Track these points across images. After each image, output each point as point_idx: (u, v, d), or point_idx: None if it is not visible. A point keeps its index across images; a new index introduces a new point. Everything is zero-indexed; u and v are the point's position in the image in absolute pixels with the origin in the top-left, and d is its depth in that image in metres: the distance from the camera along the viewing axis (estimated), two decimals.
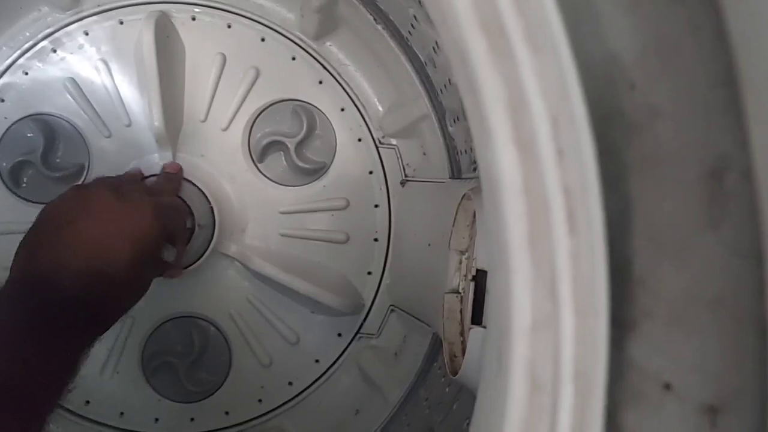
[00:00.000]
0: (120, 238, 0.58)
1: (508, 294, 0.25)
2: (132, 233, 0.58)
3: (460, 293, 0.58)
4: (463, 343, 0.54)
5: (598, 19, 0.23)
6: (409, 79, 0.77)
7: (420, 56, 0.73)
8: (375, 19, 0.77)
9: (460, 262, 0.58)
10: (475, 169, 0.66)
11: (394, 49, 0.77)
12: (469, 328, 0.51)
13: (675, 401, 0.24)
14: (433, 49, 0.66)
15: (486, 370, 0.31)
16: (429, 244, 0.72)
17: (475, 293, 0.52)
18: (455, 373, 0.52)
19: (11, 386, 0.44)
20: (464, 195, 0.56)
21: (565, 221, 0.23)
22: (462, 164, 0.72)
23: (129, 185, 0.68)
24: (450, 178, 0.75)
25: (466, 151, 0.69)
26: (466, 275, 0.57)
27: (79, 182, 0.82)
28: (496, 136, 0.24)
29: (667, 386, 0.24)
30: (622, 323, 0.24)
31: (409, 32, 0.72)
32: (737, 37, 0.22)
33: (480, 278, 0.51)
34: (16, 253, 0.55)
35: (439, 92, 0.72)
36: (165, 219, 0.63)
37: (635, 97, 0.24)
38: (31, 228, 0.58)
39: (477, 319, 0.50)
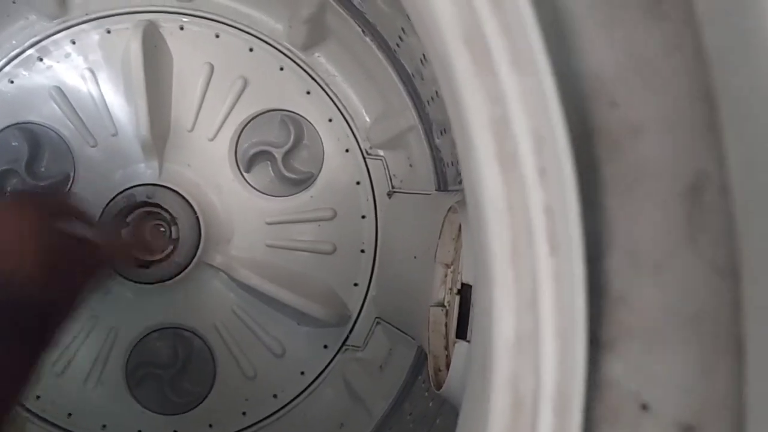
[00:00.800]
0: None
1: (491, 309, 0.25)
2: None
3: (445, 307, 0.58)
4: (448, 357, 0.54)
5: (578, 37, 0.24)
6: (397, 90, 0.77)
7: (407, 68, 0.74)
8: (363, 31, 0.77)
9: (446, 275, 0.58)
10: (461, 182, 0.66)
11: (381, 60, 0.77)
12: (454, 343, 0.51)
13: (652, 421, 0.24)
14: (421, 61, 0.66)
15: (470, 383, 0.31)
16: (415, 257, 0.72)
17: (460, 307, 0.52)
18: (439, 387, 0.52)
19: None
20: (450, 208, 0.56)
21: (546, 241, 0.23)
22: (448, 176, 0.72)
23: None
24: (436, 190, 0.75)
25: (452, 163, 0.69)
26: (451, 288, 0.57)
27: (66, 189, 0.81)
28: (479, 152, 0.24)
29: (644, 406, 0.24)
30: (601, 342, 0.24)
31: (397, 44, 0.72)
32: (714, 55, 0.22)
33: (465, 292, 0.51)
34: None
35: (426, 104, 0.72)
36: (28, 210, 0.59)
37: (616, 114, 0.24)
38: None
39: (462, 333, 0.50)
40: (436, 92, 0.67)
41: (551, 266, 0.22)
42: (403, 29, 0.66)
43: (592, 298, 0.23)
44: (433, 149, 0.75)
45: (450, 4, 0.22)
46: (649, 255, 0.24)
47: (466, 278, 0.51)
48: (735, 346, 0.23)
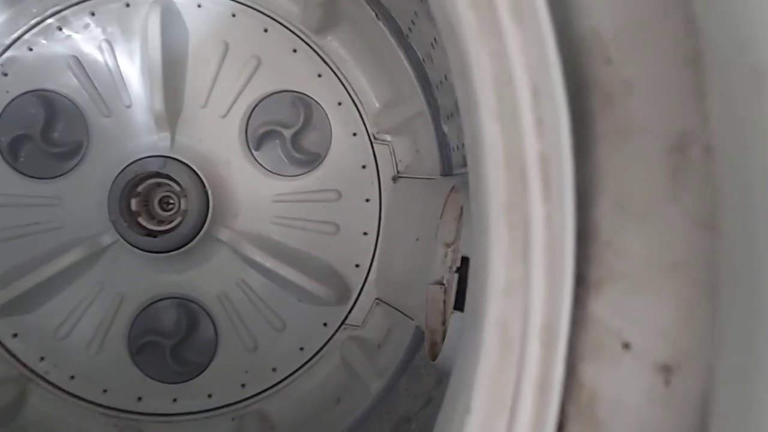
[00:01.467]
0: None
1: (485, 258, 0.27)
2: None
3: (443, 284, 0.59)
4: (444, 332, 0.56)
5: None
6: (407, 75, 0.78)
7: (418, 53, 0.75)
8: (376, 15, 0.78)
9: (446, 255, 0.60)
10: (465, 165, 0.67)
11: (393, 45, 0.79)
12: (451, 314, 0.53)
13: (632, 359, 0.25)
14: (432, 45, 0.67)
15: (462, 342, 0.33)
16: (417, 239, 0.74)
17: (458, 282, 0.54)
18: (435, 359, 0.53)
19: None
20: (452, 188, 0.57)
21: (540, 188, 0.24)
22: (453, 162, 0.74)
23: None
24: (441, 175, 0.76)
25: (457, 148, 0.70)
26: (450, 267, 0.58)
27: (81, 159, 0.83)
28: (481, 107, 0.26)
29: (626, 345, 0.25)
30: (587, 282, 0.26)
31: (409, 29, 0.74)
32: (702, 22, 0.24)
33: (464, 267, 0.53)
34: None
35: (435, 89, 0.74)
36: None
37: (611, 70, 0.25)
38: None
39: (459, 306, 0.52)
40: (445, 76, 0.68)
41: (543, 211, 0.24)
42: (415, 13, 0.68)
43: (581, 242, 0.24)
44: (440, 135, 0.77)
45: None
46: (636, 205, 0.25)
47: (466, 252, 0.52)
48: (711, 295, 0.25)
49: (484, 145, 0.25)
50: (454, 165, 0.73)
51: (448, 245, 0.59)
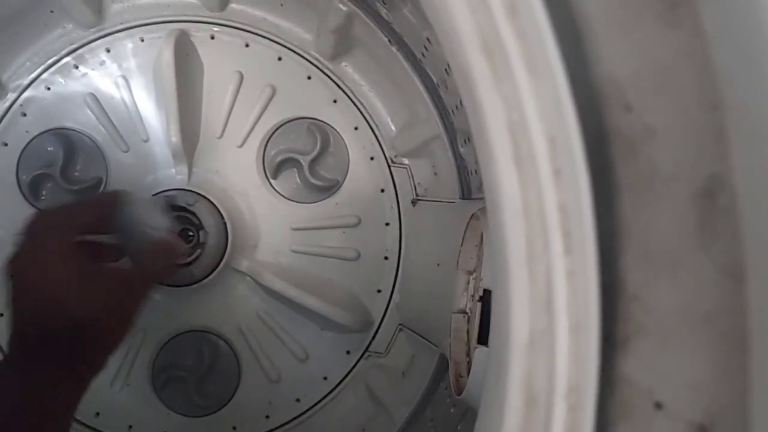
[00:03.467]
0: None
1: (507, 309, 0.26)
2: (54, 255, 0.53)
3: (467, 313, 0.58)
4: (469, 364, 0.55)
5: (595, 42, 0.24)
6: (422, 99, 0.78)
7: (432, 78, 0.75)
8: (389, 41, 0.78)
9: (468, 283, 0.58)
10: (480, 189, 0.66)
11: (407, 70, 0.78)
12: (475, 348, 0.51)
13: (665, 419, 0.24)
14: (445, 71, 0.67)
15: (487, 385, 0.32)
16: (438, 264, 0.73)
17: (481, 314, 0.52)
18: (460, 393, 0.52)
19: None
20: (473, 215, 0.56)
21: (561, 240, 0.23)
22: (472, 184, 0.73)
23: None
24: (460, 198, 0.75)
25: (476, 172, 0.69)
26: (473, 296, 0.57)
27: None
28: (496, 155, 0.25)
29: (658, 404, 0.24)
30: (615, 340, 0.25)
31: (423, 54, 0.73)
32: (721, 65, 0.23)
33: (486, 298, 0.51)
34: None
35: (451, 113, 0.73)
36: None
37: (631, 117, 0.24)
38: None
39: (483, 339, 0.50)
40: (460, 101, 0.67)
41: (565, 264, 0.23)
42: (428, 39, 0.67)
43: (607, 297, 0.23)
44: (458, 158, 0.76)
45: (468, 12, 0.23)
46: (663, 256, 0.24)
47: (487, 284, 0.51)
48: (744, 347, 0.23)
49: (501, 195, 0.24)
50: (473, 188, 0.72)
51: (469, 273, 0.58)
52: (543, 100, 0.22)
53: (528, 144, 0.23)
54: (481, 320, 0.53)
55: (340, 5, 0.77)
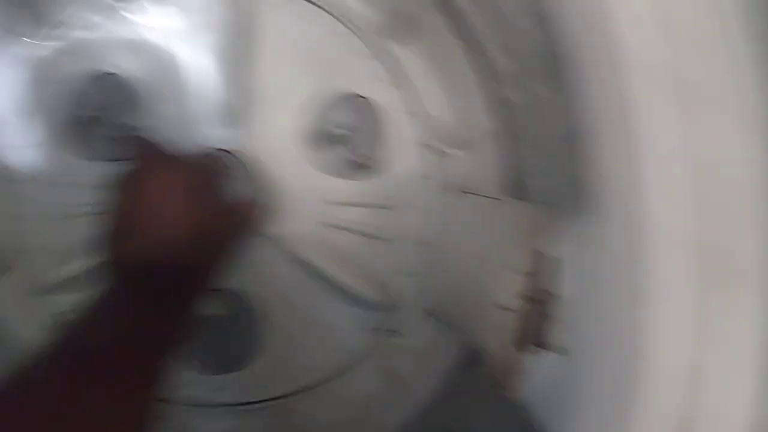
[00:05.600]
0: (172, 205, 0.59)
1: (638, 335, 0.26)
2: (180, 193, 0.60)
3: (515, 312, 0.59)
4: (519, 362, 0.56)
5: None
6: (482, 92, 0.77)
7: (494, 69, 0.74)
8: (455, 29, 0.77)
9: (519, 282, 0.59)
10: (543, 193, 0.66)
11: (469, 62, 0.78)
12: (527, 349, 0.53)
13: None
14: (520, 65, 0.67)
15: (581, 401, 0.33)
16: (479, 258, 0.73)
17: (538, 316, 0.53)
18: (509, 390, 0.53)
19: (126, 347, 0.46)
20: (537, 217, 0.57)
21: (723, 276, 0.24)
22: (530, 186, 0.73)
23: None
24: (511, 197, 0.76)
25: (533, 174, 0.70)
26: (529, 296, 0.58)
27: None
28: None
29: None
30: None
31: (488, 46, 0.73)
32: None
33: (548, 303, 0.52)
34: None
35: (509, 109, 0.73)
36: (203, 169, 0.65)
37: None
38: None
39: (538, 341, 0.51)
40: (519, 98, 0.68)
41: (724, 300, 0.23)
42: (505, 44, 0.66)
43: None
44: (512, 156, 0.76)
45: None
46: None
47: (554, 289, 0.52)
48: None
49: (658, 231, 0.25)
50: (531, 190, 0.72)
51: (522, 273, 0.59)
52: None
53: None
54: (536, 322, 0.54)
55: None
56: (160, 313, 0.53)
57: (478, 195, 0.81)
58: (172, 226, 0.58)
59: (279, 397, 0.87)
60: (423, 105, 0.85)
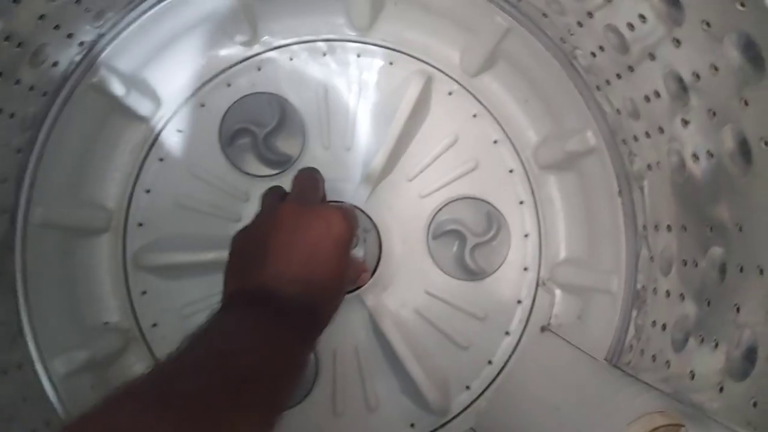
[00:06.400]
0: (322, 244, 0.61)
1: None
2: (331, 237, 0.61)
3: None
4: None
5: None
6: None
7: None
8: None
9: None
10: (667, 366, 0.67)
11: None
12: None
13: None
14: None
15: None
16: (557, 409, 0.74)
17: None
18: None
19: (255, 381, 0.47)
20: (666, 415, 0.58)
21: None
22: (638, 353, 0.74)
23: (309, 195, 0.72)
24: (608, 361, 0.77)
25: (656, 324, 0.71)
26: None
27: (285, 169, 0.86)
28: None
29: None
30: None
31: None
32: None
33: None
34: (227, 280, 0.60)
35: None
36: (352, 221, 0.66)
37: None
38: (233, 253, 0.62)
39: None
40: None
41: None
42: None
43: None
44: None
45: None
46: None
47: None
48: None
49: None
50: (639, 361, 0.72)
51: None
52: None
53: None
54: None
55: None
56: (290, 348, 0.54)
57: (567, 342, 0.82)
58: (321, 267, 0.59)
59: None
60: (554, 243, 0.87)
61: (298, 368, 0.55)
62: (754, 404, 0.50)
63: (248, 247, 0.62)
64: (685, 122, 0.59)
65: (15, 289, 0.74)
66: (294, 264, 0.59)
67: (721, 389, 0.55)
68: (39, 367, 0.73)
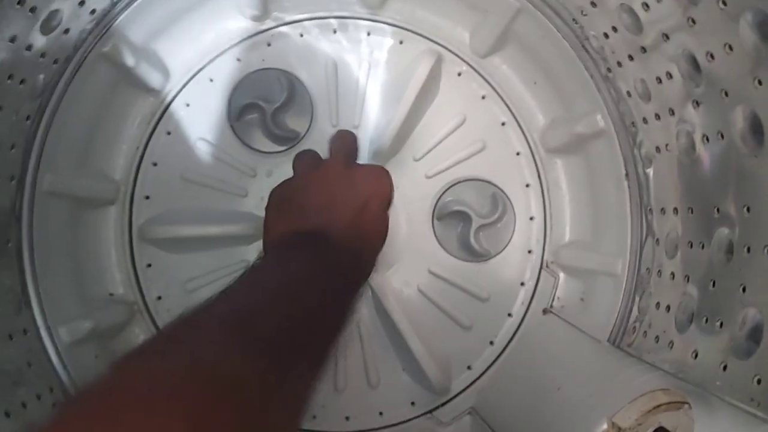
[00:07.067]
0: (372, 200, 0.67)
1: None
2: (379, 194, 0.68)
3: None
4: None
5: None
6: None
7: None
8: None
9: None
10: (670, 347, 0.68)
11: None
12: None
13: None
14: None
15: None
16: (558, 389, 0.74)
17: None
18: None
19: (305, 328, 0.47)
20: (665, 390, 0.58)
21: None
22: (641, 334, 0.74)
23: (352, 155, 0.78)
24: (611, 341, 0.77)
25: (660, 306, 0.71)
26: None
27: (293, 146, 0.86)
28: None
29: None
30: None
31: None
32: None
33: None
34: (274, 225, 0.61)
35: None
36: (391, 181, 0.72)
37: None
38: (278, 203, 0.63)
39: None
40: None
41: None
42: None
43: None
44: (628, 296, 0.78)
45: None
46: None
47: None
48: None
49: None
50: (641, 342, 0.73)
51: (620, 429, 0.60)
52: None
53: None
54: None
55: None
56: (342, 291, 0.54)
57: (569, 324, 0.83)
58: (371, 221, 0.63)
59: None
60: (559, 226, 0.88)
61: (349, 313, 0.55)
62: (758, 381, 0.50)
63: (298, 198, 0.66)
64: (697, 103, 0.59)
65: (22, 256, 0.74)
66: (348, 215, 0.63)
67: (725, 368, 0.55)
68: (44, 334, 0.74)
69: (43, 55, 0.67)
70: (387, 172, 0.67)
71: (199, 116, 0.86)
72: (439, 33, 0.88)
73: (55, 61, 0.71)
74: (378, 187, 0.65)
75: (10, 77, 0.63)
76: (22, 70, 0.65)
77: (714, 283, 0.60)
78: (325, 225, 0.59)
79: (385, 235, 0.67)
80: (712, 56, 0.54)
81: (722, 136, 0.56)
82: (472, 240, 0.87)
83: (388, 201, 0.66)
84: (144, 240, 0.85)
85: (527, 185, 0.89)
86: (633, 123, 0.74)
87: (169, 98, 0.86)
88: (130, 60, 0.79)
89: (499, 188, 0.88)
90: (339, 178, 0.66)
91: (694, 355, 0.60)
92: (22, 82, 0.65)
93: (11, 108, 0.66)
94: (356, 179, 0.65)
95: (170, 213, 0.85)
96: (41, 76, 0.69)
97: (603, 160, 0.81)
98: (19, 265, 0.74)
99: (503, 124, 0.89)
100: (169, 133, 0.86)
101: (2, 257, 0.71)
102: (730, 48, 0.51)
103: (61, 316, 0.76)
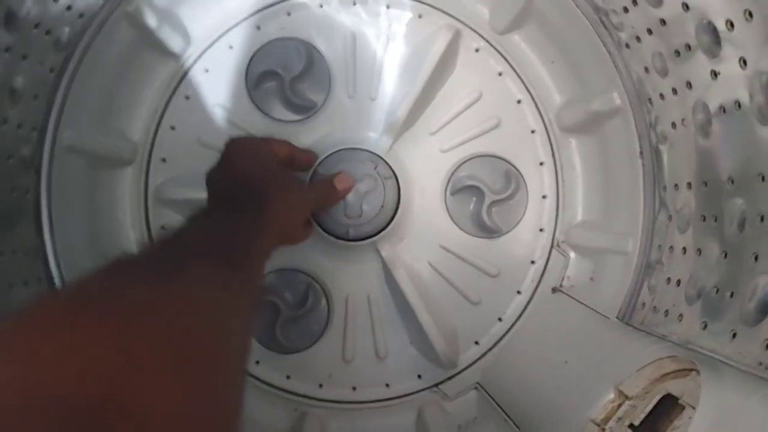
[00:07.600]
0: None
1: None
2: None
3: (605, 429, 0.60)
4: None
5: None
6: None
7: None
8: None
9: (619, 404, 0.60)
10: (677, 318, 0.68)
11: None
12: None
13: None
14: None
15: None
16: (566, 362, 0.74)
17: None
18: None
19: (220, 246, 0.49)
20: (673, 357, 0.58)
21: None
22: (651, 309, 0.74)
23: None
24: (620, 318, 0.77)
25: (671, 281, 0.71)
26: (621, 419, 0.59)
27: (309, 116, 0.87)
28: None
29: None
30: None
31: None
32: None
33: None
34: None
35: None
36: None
37: None
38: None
39: None
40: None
41: None
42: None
43: None
44: (640, 271, 0.78)
45: None
46: None
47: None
48: None
49: None
50: (651, 317, 0.73)
51: (626, 396, 0.60)
52: None
53: None
54: None
55: None
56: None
57: (579, 302, 0.83)
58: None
59: (319, 398, 0.88)
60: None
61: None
62: (767, 346, 0.50)
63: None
64: (715, 74, 0.59)
65: (40, 209, 0.75)
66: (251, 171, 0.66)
67: (734, 335, 0.55)
68: (58, 283, 0.75)
69: (69, 7, 0.68)
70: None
71: (218, 82, 0.87)
72: (459, 8, 0.88)
73: (81, 15, 0.72)
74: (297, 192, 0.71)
75: (36, 26, 0.63)
76: (48, 20, 0.66)
77: (726, 254, 0.60)
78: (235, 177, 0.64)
79: (281, 175, 0.72)
80: (732, 24, 0.54)
81: (739, 106, 0.56)
82: (484, 216, 0.87)
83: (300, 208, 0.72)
84: (159, 201, 0.86)
85: (541, 163, 0.89)
86: (650, 99, 0.74)
87: (188, 63, 0.86)
88: (152, 21, 0.80)
89: (512, 165, 0.89)
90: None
91: (703, 325, 0.60)
92: (47, 32, 0.66)
93: (36, 58, 0.67)
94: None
95: (186, 176, 0.86)
96: (66, 29, 0.70)
97: (618, 138, 0.82)
98: (36, 217, 0.75)
99: (519, 101, 0.89)
100: (187, 98, 0.87)
101: (21, 208, 0.72)
102: (750, 14, 0.52)
103: (76, 271, 0.77)
